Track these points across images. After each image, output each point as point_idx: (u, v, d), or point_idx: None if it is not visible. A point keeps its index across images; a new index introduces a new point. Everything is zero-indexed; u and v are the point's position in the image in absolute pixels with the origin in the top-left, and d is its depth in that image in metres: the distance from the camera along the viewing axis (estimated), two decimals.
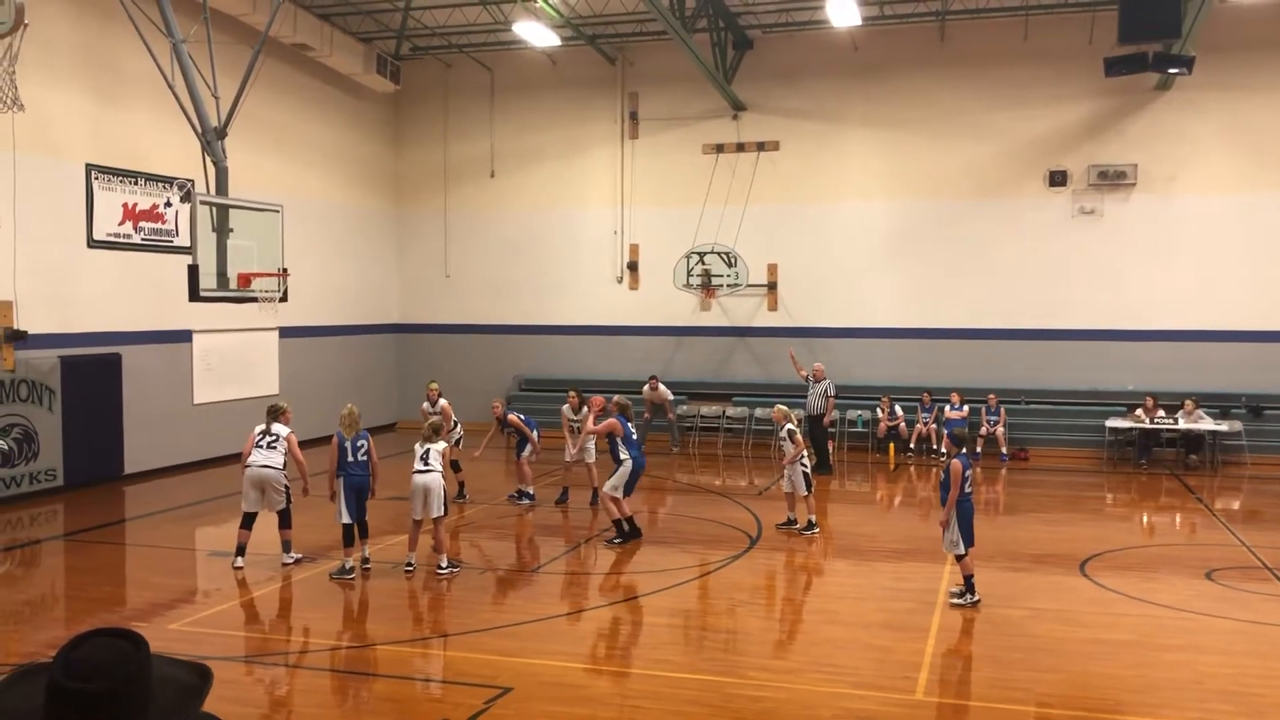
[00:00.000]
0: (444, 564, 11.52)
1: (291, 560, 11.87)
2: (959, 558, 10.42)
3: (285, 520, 11.94)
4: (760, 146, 22.41)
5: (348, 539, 11.47)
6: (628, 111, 23.30)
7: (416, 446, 11.66)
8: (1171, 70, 18.67)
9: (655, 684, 8.29)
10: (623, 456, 12.91)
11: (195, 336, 18.74)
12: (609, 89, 23.35)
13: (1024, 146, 21.21)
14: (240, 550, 11.82)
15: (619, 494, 12.90)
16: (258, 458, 11.78)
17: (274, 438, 11.88)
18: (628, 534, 12.96)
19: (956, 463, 10.38)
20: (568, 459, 15.56)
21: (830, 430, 19.50)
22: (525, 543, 13.41)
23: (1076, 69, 20.42)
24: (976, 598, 10.29)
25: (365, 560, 11.62)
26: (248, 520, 11.85)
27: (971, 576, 10.37)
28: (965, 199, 21.49)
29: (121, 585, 11.91)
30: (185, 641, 9.08)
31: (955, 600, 10.34)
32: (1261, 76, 19.91)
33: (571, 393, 16.17)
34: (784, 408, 14.04)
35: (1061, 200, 21.07)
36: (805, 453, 13.61)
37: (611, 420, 13.12)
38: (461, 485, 15.71)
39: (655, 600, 10.70)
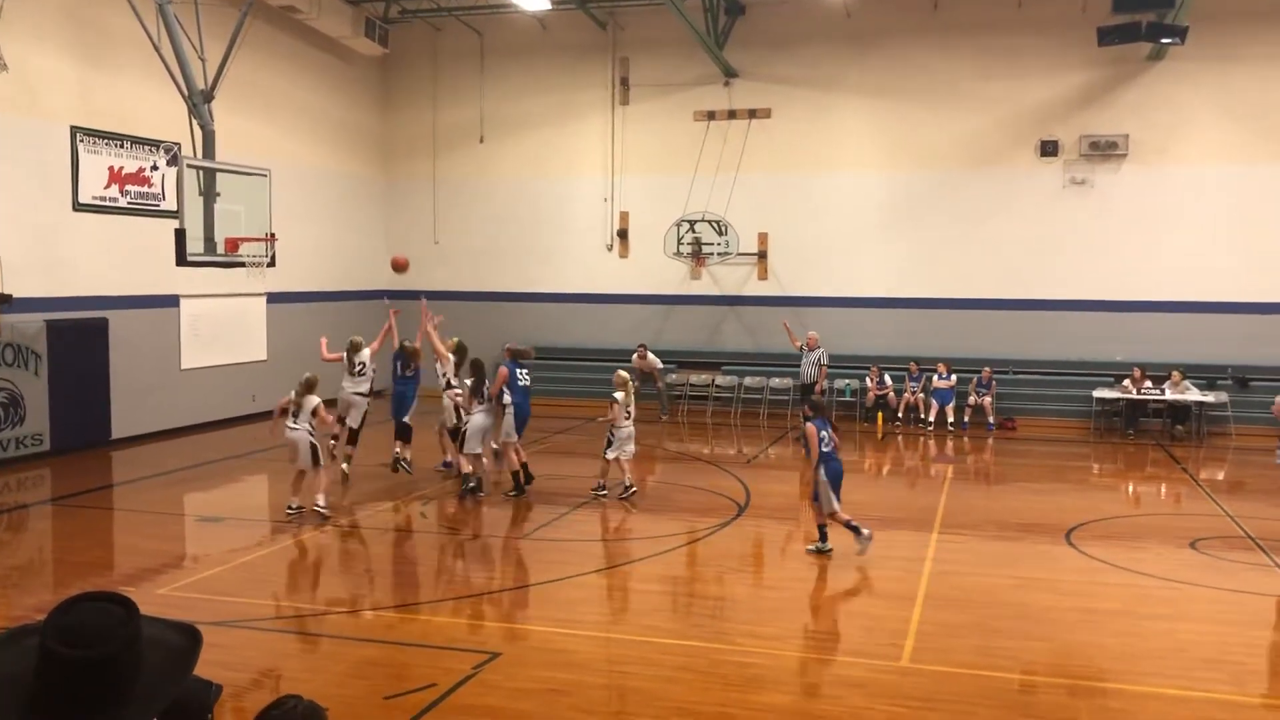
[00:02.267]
0: (322, 504, 12.29)
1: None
2: (817, 508, 10.99)
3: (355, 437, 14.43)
4: (752, 114, 22.29)
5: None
6: (618, 77, 23.14)
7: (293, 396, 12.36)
8: (1164, 40, 18.64)
9: (643, 650, 8.33)
10: (505, 401, 13.48)
11: (183, 301, 18.63)
12: (600, 54, 23.17)
13: (1016, 116, 21.14)
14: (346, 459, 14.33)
15: (514, 438, 13.53)
16: (349, 385, 14.48)
17: (361, 365, 14.46)
18: (521, 485, 13.58)
19: (810, 426, 10.98)
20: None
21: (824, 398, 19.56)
22: (514, 509, 13.41)
23: (1070, 38, 20.34)
24: (829, 546, 10.91)
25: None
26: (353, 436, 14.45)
27: (824, 526, 10.98)
28: (956, 168, 21.43)
29: (109, 550, 11.91)
30: (174, 606, 9.07)
31: (810, 549, 10.99)
32: (1254, 47, 19.84)
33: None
34: (624, 374, 14.03)
35: (1053, 170, 21.03)
36: (620, 420, 13.53)
37: (502, 369, 13.60)
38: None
39: (644, 567, 10.73)
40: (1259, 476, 16.77)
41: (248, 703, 6.73)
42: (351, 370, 14.59)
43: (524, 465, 13.88)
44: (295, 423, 12.28)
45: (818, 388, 18.89)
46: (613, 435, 13.51)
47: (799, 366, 19.66)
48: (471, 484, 13.66)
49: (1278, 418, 12.31)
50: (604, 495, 13.53)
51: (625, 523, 12.69)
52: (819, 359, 18.84)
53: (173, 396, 18.49)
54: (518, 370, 13.82)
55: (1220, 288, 20.20)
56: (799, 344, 19.04)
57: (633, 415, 13.69)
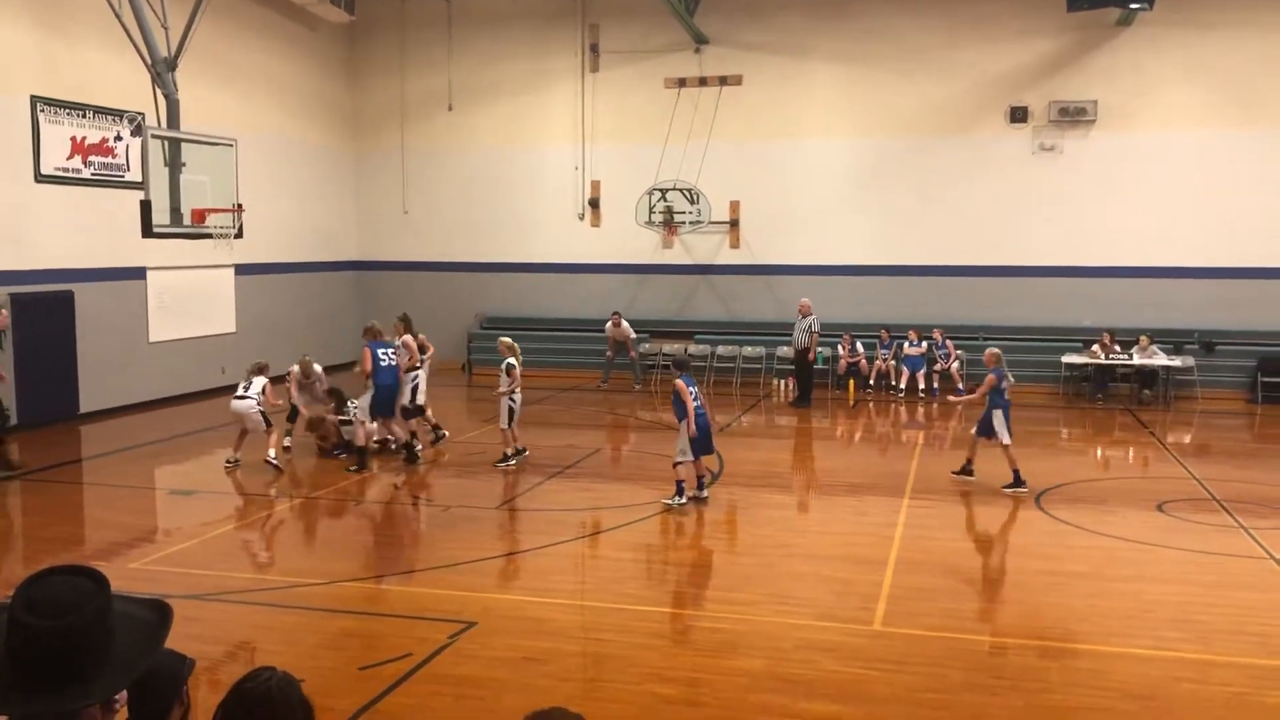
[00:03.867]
0: (271, 457, 13.37)
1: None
2: (676, 464, 11.58)
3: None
4: (723, 81, 22.18)
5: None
6: (588, 44, 22.96)
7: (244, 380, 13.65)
8: (1133, 5, 18.70)
9: (618, 617, 8.38)
10: (369, 384, 13.72)
11: (149, 274, 18.42)
12: (569, 21, 22.97)
13: (986, 82, 21.17)
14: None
15: (365, 415, 13.76)
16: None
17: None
18: (365, 462, 13.59)
19: (679, 382, 11.64)
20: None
21: (815, 366, 19.60)
22: (488, 480, 13.40)
23: (1039, 3, 20.36)
24: (684, 500, 11.56)
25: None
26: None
27: (684, 483, 11.56)
28: (927, 135, 21.46)
29: (79, 525, 11.82)
30: (146, 580, 9.04)
31: (666, 502, 11.53)
32: (1221, 13, 19.93)
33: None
34: (508, 340, 14.02)
35: (1022, 137, 21.10)
36: (516, 388, 13.60)
37: (365, 351, 13.76)
38: (413, 435, 14.89)
39: (618, 535, 10.78)
40: (1224, 439, 17.04)
41: (222, 675, 6.73)
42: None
43: (409, 442, 14.13)
44: (244, 393, 13.48)
45: (810, 355, 19.03)
46: (514, 403, 13.58)
47: (788, 335, 19.73)
48: (397, 447, 14.05)
49: (989, 364, 12.97)
50: (512, 464, 13.65)
51: (599, 492, 12.72)
52: (810, 325, 18.94)
53: (141, 370, 18.32)
54: (379, 350, 13.77)
55: (1187, 253, 20.39)
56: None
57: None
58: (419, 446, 14.28)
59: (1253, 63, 19.88)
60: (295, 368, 14.81)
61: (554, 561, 10.03)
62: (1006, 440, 12.59)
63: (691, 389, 11.62)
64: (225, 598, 8.82)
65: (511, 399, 13.57)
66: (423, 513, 12.18)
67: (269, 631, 8.27)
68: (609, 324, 21.18)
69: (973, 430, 13.07)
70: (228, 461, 13.60)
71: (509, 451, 13.81)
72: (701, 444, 11.62)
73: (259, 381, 13.60)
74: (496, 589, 9.15)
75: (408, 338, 14.76)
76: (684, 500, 11.53)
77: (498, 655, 7.48)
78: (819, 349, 20.06)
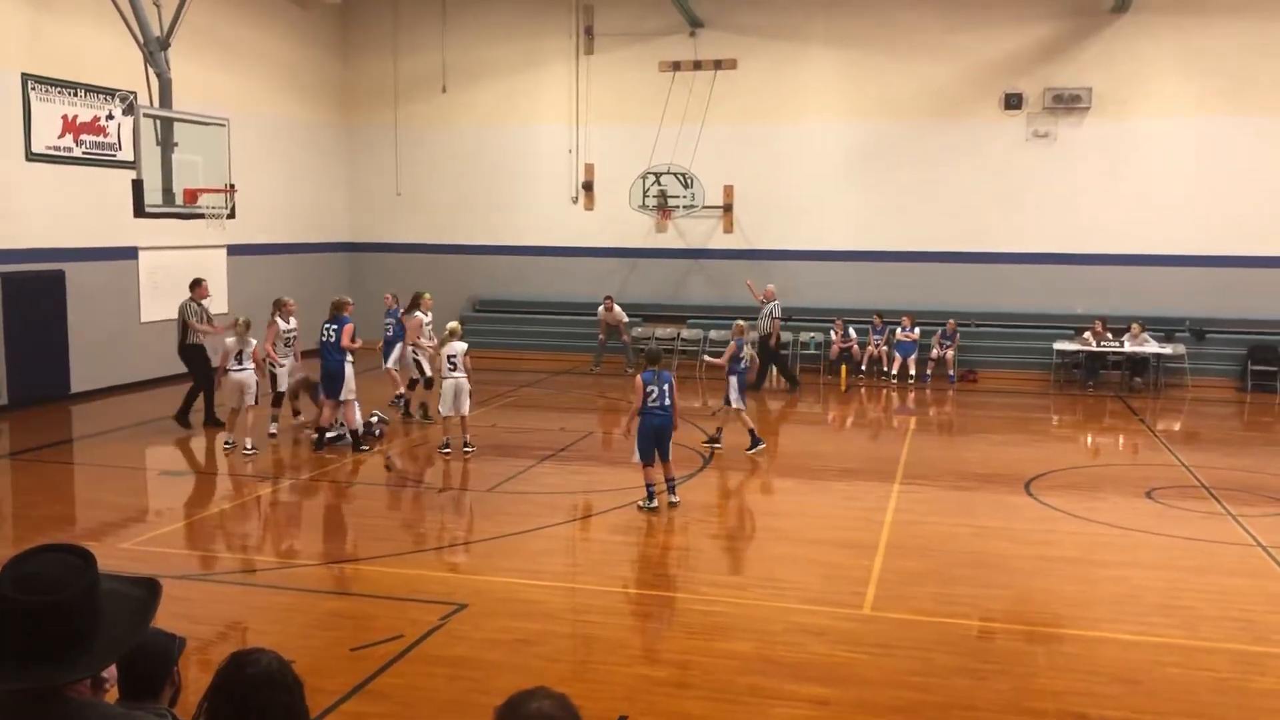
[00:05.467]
0: (249, 446, 13.26)
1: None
2: (643, 465, 10.90)
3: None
4: (718, 65, 22.13)
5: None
6: (583, 26, 22.86)
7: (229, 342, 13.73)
8: None
9: (609, 599, 8.41)
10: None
11: (141, 254, 18.35)
12: (564, 2, 22.86)
13: (981, 68, 21.14)
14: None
15: (321, 396, 13.83)
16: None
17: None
18: (322, 439, 13.57)
19: (638, 378, 11.00)
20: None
21: (781, 351, 19.69)
22: (479, 462, 13.42)
23: None
24: (654, 503, 10.81)
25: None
26: None
27: (651, 485, 10.86)
28: (921, 121, 21.42)
29: (70, 505, 11.81)
30: (137, 560, 9.05)
31: (639, 505, 10.85)
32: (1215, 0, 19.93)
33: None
34: (454, 325, 13.80)
35: (1016, 123, 21.08)
36: (444, 370, 13.28)
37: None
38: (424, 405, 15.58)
39: (609, 518, 10.80)
40: (1214, 427, 17.10)
41: (213, 655, 6.74)
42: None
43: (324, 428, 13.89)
44: (241, 363, 13.46)
45: (772, 340, 19.06)
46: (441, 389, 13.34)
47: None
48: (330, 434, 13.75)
49: (734, 335, 13.88)
50: (448, 452, 13.34)
51: (591, 475, 12.74)
52: (772, 311, 18.97)
53: (133, 350, 18.25)
54: (323, 326, 13.62)
55: (1179, 240, 20.40)
56: (761, 298, 19.22)
57: (458, 367, 13.24)
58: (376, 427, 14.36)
59: (1247, 50, 19.86)
60: (277, 318, 14.17)
61: (545, 544, 10.05)
62: (740, 406, 13.49)
63: (651, 387, 10.74)
64: (216, 578, 8.83)
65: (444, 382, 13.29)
66: (414, 495, 12.19)
67: (260, 612, 8.29)
68: (601, 308, 21.16)
69: (721, 400, 13.80)
70: (226, 444, 13.52)
71: (446, 438, 13.53)
72: (646, 447, 10.78)
73: (250, 344, 13.63)
74: (488, 571, 9.17)
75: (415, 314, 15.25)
76: (654, 503, 10.82)
77: (489, 637, 7.50)
78: (813, 335, 20.11)
